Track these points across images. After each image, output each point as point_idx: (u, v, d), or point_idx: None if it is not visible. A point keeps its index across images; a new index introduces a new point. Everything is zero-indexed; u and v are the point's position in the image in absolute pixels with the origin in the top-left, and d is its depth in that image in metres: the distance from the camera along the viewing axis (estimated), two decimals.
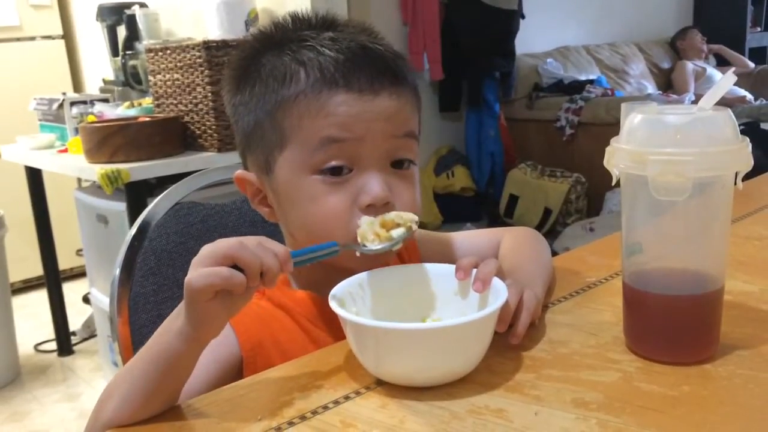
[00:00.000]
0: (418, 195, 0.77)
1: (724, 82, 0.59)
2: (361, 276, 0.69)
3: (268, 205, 0.80)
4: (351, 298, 0.67)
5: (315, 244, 0.67)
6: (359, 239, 0.69)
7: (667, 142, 0.58)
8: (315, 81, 0.72)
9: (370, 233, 0.69)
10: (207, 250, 0.59)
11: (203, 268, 0.58)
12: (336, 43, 0.73)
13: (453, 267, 0.69)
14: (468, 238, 0.95)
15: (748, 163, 0.58)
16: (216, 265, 0.58)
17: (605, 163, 0.62)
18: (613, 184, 0.63)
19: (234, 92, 0.79)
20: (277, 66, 0.74)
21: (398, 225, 0.70)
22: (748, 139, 0.59)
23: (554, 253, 0.92)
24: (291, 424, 0.57)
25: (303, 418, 0.58)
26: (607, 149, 0.62)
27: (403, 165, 0.76)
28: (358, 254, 0.70)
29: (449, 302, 0.70)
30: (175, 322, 0.61)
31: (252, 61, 0.77)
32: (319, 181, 0.72)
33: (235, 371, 0.72)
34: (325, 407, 0.59)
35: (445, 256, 0.90)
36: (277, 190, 0.76)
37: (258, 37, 0.79)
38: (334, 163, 0.72)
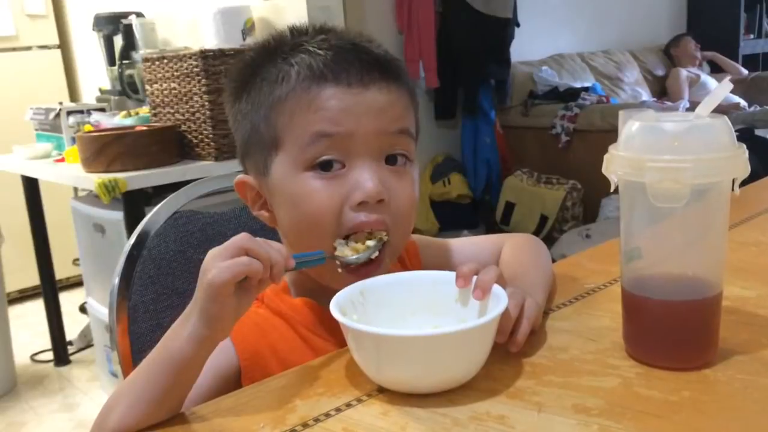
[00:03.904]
0: (416, 192, 0.77)
1: (720, 89, 0.60)
2: (363, 283, 0.69)
3: (268, 210, 0.79)
4: (352, 306, 0.67)
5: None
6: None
7: (665, 149, 0.58)
8: (304, 78, 0.72)
9: (347, 250, 0.72)
10: (218, 249, 0.61)
11: (220, 262, 0.60)
12: (325, 42, 0.74)
13: (453, 274, 0.69)
14: (470, 245, 0.95)
15: (745, 169, 0.58)
16: (233, 257, 0.60)
17: (603, 169, 0.63)
18: (612, 190, 0.64)
19: (233, 103, 0.79)
20: (271, 71, 0.75)
21: (370, 238, 0.73)
22: (744, 146, 0.59)
23: (552, 260, 0.92)
24: (293, 431, 0.57)
25: (305, 425, 0.58)
26: (606, 156, 0.63)
27: (397, 161, 0.75)
28: (340, 270, 0.72)
29: (450, 309, 0.70)
30: (183, 327, 0.62)
31: (251, 72, 0.77)
32: (311, 177, 0.72)
33: (233, 381, 0.72)
34: (327, 414, 0.59)
35: (447, 262, 0.91)
36: (273, 191, 0.76)
37: (257, 49, 0.79)
38: (325, 157, 0.72)
